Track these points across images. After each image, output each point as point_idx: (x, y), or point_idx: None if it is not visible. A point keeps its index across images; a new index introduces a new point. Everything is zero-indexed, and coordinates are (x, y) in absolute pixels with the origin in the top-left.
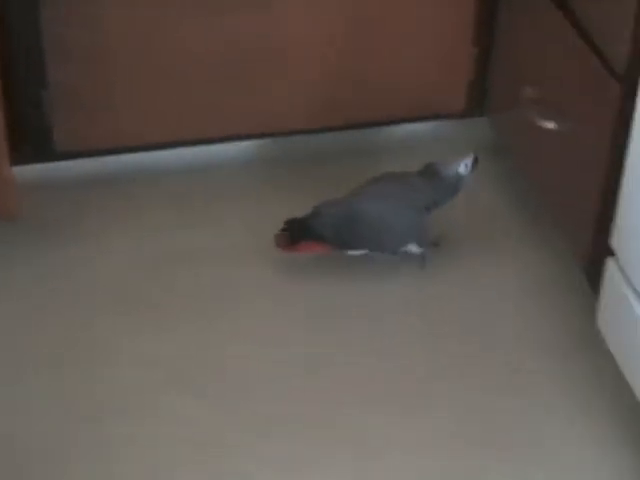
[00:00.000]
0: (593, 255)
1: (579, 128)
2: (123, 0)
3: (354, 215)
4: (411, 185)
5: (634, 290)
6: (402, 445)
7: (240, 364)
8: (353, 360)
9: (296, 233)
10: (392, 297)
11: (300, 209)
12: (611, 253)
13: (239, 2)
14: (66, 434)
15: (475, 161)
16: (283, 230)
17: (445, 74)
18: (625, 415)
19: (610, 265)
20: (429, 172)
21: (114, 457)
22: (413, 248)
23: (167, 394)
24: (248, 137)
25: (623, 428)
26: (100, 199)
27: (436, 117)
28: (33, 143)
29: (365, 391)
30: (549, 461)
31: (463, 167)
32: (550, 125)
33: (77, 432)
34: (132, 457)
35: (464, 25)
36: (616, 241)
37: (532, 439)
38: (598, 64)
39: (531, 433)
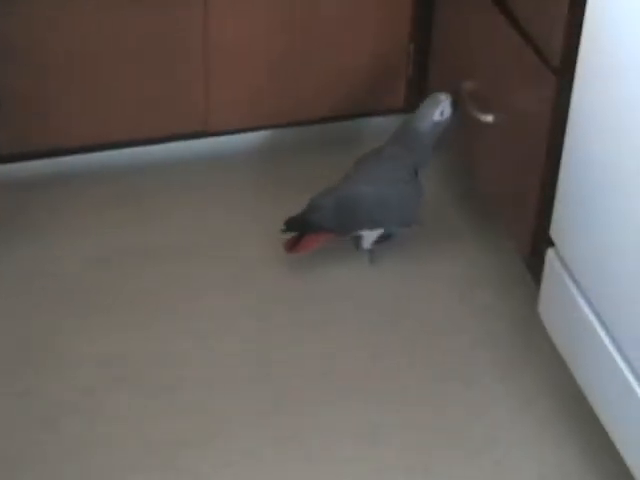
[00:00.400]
0: (533, 246)
1: (517, 121)
2: (51, 2)
3: (350, 200)
4: (392, 156)
5: (573, 279)
6: (348, 435)
7: (193, 362)
8: (303, 351)
9: (297, 230)
10: (343, 289)
11: (255, 208)
12: (551, 244)
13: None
14: (19, 435)
15: (454, 103)
16: (283, 231)
17: (384, 71)
18: (567, 400)
19: (550, 255)
20: (406, 132)
21: (67, 458)
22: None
23: (120, 394)
24: (185, 137)
25: (565, 414)
26: (50, 200)
27: (376, 113)
28: None
29: (315, 380)
30: (495, 447)
31: (438, 115)
32: (489, 118)
33: (30, 433)
34: (85, 458)
35: (401, 22)
36: (555, 232)
37: (478, 427)
38: (534, 57)
39: (478, 421)
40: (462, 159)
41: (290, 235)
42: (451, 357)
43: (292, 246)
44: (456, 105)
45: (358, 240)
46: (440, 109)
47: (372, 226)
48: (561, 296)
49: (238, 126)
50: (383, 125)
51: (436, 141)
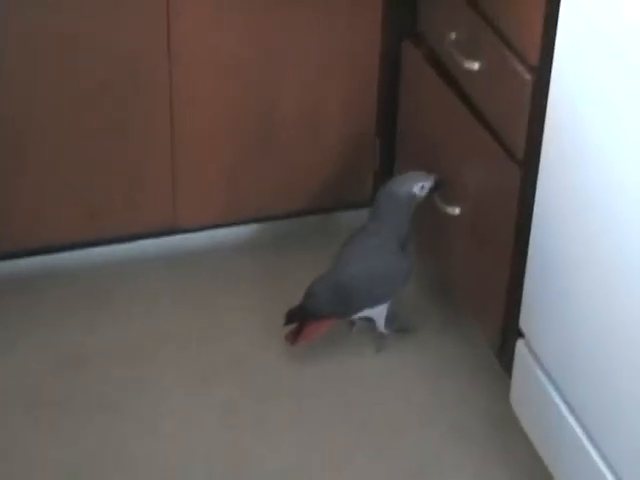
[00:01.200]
0: (503, 337)
1: (483, 213)
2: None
3: (344, 283)
4: (376, 232)
5: (544, 369)
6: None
7: (146, 462)
8: (269, 451)
9: (296, 320)
10: (311, 378)
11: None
12: (521, 335)
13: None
14: None
15: (437, 184)
16: (285, 324)
17: (351, 165)
18: None
19: (520, 346)
20: (385, 201)
21: None
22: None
23: None
24: (152, 234)
25: None
26: (11, 301)
27: (344, 207)
28: None
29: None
30: None
31: (418, 188)
32: (455, 211)
33: None
34: None
35: (367, 117)
36: (524, 323)
37: None
38: (498, 149)
39: None
40: (429, 251)
41: (290, 328)
42: (422, 452)
43: (295, 337)
44: (440, 185)
45: (355, 324)
46: (422, 183)
47: (372, 303)
48: (532, 387)
49: (206, 222)
50: (352, 219)
51: (406, 211)
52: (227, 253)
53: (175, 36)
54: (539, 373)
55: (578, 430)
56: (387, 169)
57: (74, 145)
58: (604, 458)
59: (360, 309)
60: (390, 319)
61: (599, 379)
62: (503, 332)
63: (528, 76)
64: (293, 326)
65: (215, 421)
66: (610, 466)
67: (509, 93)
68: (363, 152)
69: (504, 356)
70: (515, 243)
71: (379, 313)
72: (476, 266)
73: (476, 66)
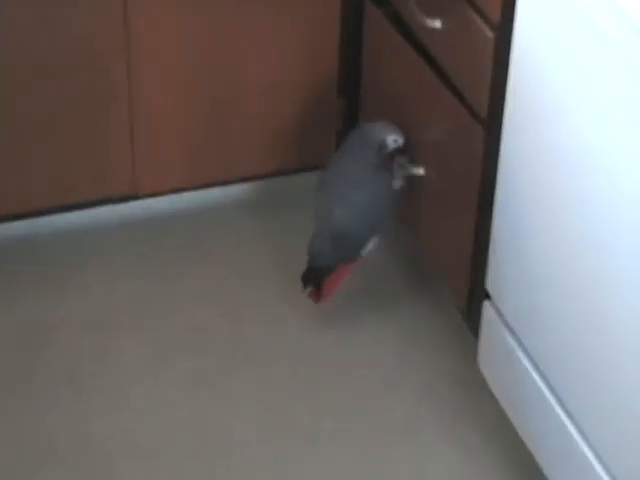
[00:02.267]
0: (470, 299)
1: (448, 173)
2: None
3: (339, 230)
4: (351, 165)
5: (510, 330)
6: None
7: (112, 435)
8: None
9: (313, 282)
10: (279, 344)
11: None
12: (487, 296)
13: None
14: None
15: (406, 145)
16: (304, 286)
17: (314, 127)
18: (510, 452)
19: (487, 308)
20: (359, 142)
21: None
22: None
23: (42, 470)
24: (113, 201)
25: (508, 466)
26: None
27: (307, 169)
28: None
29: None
30: None
31: (392, 141)
32: (420, 171)
33: None
34: None
35: (329, 77)
36: (491, 284)
37: None
38: (461, 109)
39: (419, 477)
40: (397, 214)
41: (310, 289)
42: (391, 415)
43: (317, 296)
44: (408, 148)
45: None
46: (395, 137)
47: (372, 234)
48: (499, 348)
49: (168, 188)
50: (316, 180)
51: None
52: (190, 219)
53: (132, 9)
54: (506, 334)
55: (545, 391)
56: (350, 129)
57: (33, 112)
58: (571, 417)
59: (364, 244)
60: None
61: (565, 338)
62: (470, 294)
63: (490, 34)
64: (311, 288)
65: (181, 392)
66: (577, 424)
67: (471, 51)
68: (326, 113)
69: (471, 318)
70: (480, 203)
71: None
72: (442, 228)
73: (438, 24)
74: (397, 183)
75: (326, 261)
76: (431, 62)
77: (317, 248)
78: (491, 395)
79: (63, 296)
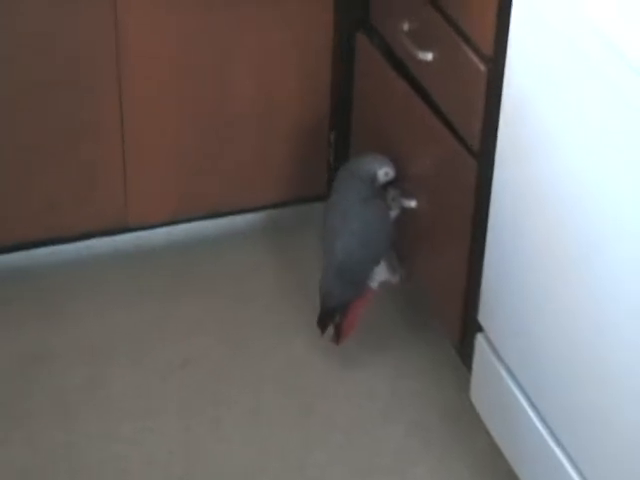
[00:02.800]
0: (463, 332)
1: (441, 206)
2: None
3: (344, 264)
4: (345, 196)
5: (503, 363)
6: None
7: (104, 466)
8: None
9: (330, 322)
10: (273, 375)
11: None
12: (480, 329)
13: None
14: None
15: (397, 177)
16: (323, 332)
17: (306, 160)
18: None
19: (479, 340)
20: (345, 175)
21: None
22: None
23: None
24: (104, 233)
25: None
26: None
27: (299, 201)
28: None
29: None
30: None
31: (383, 174)
32: (412, 204)
33: None
34: None
35: (321, 110)
36: (483, 317)
37: None
38: (454, 142)
39: None
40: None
41: (328, 330)
42: (383, 448)
43: (338, 336)
44: (400, 180)
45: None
46: (386, 169)
47: (376, 262)
48: (491, 381)
49: (160, 220)
50: (308, 212)
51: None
52: (182, 251)
53: (123, 33)
54: (498, 367)
55: (538, 423)
56: (342, 162)
57: (24, 144)
58: (564, 450)
59: (369, 274)
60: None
61: (558, 372)
62: (462, 326)
63: (482, 67)
64: (331, 329)
65: (174, 422)
66: (570, 458)
67: (464, 84)
68: (318, 146)
69: (464, 350)
70: (472, 236)
71: (387, 267)
72: (434, 260)
73: (430, 57)
74: (393, 214)
75: (337, 299)
76: (423, 94)
77: (327, 287)
78: (484, 428)
79: (56, 326)
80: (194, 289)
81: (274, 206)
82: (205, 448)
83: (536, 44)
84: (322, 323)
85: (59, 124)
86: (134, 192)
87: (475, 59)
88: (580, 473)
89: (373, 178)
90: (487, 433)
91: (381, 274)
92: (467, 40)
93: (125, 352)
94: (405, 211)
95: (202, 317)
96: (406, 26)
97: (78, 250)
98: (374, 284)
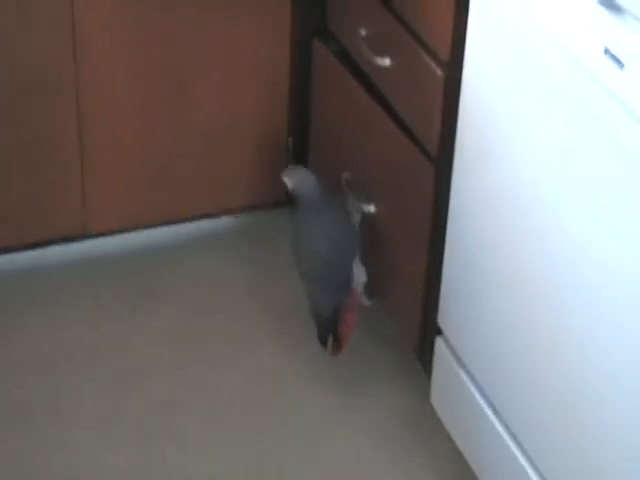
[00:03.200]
0: (422, 336)
1: (399, 211)
2: None
3: (322, 270)
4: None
5: (463, 367)
6: None
7: (61, 477)
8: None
9: (329, 333)
10: (233, 384)
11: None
12: (439, 332)
13: None
14: None
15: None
16: (325, 345)
17: (265, 166)
18: None
19: (439, 344)
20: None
21: None
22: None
23: None
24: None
25: None
26: None
27: (259, 208)
28: None
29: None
30: None
31: (311, 185)
32: (370, 208)
33: None
34: None
35: (279, 116)
36: (443, 320)
37: None
38: (411, 147)
39: None
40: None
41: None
42: (344, 456)
43: (337, 347)
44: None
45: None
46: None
47: (350, 259)
48: (452, 385)
49: (118, 227)
50: (267, 219)
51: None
52: (141, 258)
53: (81, 38)
54: (458, 370)
55: (499, 426)
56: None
57: None
58: (525, 453)
59: (350, 273)
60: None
61: (518, 375)
62: (422, 331)
63: (440, 72)
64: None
65: (131, 432)
66: (531, 461)
67: (421, 89)
68: (276, 152)
69: (424, 355)
70: (431, 240)
71: (360, 272)
72: (393, 264)
73: (387, 62)
74: (355, 217)
75: (327, 307)
76: (381, 100)
77: (315, 300)
78: (445, 432)
79: (11, 335)
80: (153, 297)
81: (234, 212)
82: (164, 457)
83: (493, 49)
84: (322, 337)
85: (15, 131)
86: (92, 199)
87: (432, 64)
88: (541, 475)
89: (314, 187)
90: (449, 438)
91: (360, 275)
92: (424, 45)
93: (81, 362)
94: (365, 216)
95: (161, 326)
96: (363, 32)
97: (36, 258)
98: (358, 286)
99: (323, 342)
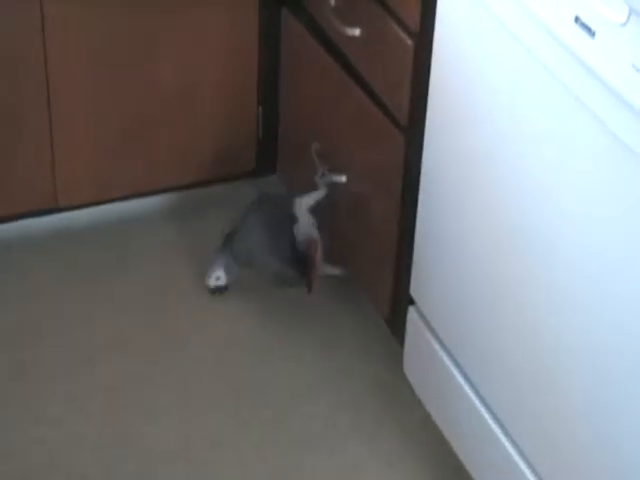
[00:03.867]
0: (394, 305)
1: (370, 180)
2: None
3: (264, 225)
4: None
5: (435, 335)
6: None
7: (31, 449)
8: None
9: (303, 275)
10: (200, 351)
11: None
12: (412, 302)
13: None
14: None
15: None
16: (304, 284)
17: (234, 135)
18: (435, 457)
19: (411, 313)
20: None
21: None
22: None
23: None
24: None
25: (432, 470)
26: None
27: (229, 178)
28: None
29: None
30: None
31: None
32: (342, 179)
33: None
34: None
35: (249, 85)
36: (415, 289)
37: None
38: (382, 116)
39: None
40: (320, 220)
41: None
42: (315, 423)
43: (310, 283)
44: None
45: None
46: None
47: (289, 228)
48: (424, 353)
49: (88, 200)
50: (237, 189)
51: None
52: (111, 231)
53: (48, 13)
54: (430, 339)
55: (471, 394)
56: (270, 137)
57: None
58: (497, 420)
59: (292, 239)
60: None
61: (488, 341)
62: (394, 300)
63: (409, 41)
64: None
65: (101, 404)
66: (502, 426)
67: (391, 59)
68: (246, 122)
69: (396, 324)
70: (402, 210)
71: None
72: (366, 234)
73: (357, 32)
74: (320, 193)
75: (284, 270)
76: (351, 70)
77: (271, 274)
78: (417, 402)
79: None
80: (121, 269)
81: (203, 184)
82: (134, 429)
83: (464, 17)
84: (305, 281)
85: None
86: (61, 173)
87: (402, 34)
88: (512, 441)
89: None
90: (421, 406)
91: (307, 226)
92: (393, 15)
93: (52, 334)
94: (335, 187)
95: (132, 298)
96: (332, 1)
97: (5, 231)
98: (312, 234)
99: (298, 282)
